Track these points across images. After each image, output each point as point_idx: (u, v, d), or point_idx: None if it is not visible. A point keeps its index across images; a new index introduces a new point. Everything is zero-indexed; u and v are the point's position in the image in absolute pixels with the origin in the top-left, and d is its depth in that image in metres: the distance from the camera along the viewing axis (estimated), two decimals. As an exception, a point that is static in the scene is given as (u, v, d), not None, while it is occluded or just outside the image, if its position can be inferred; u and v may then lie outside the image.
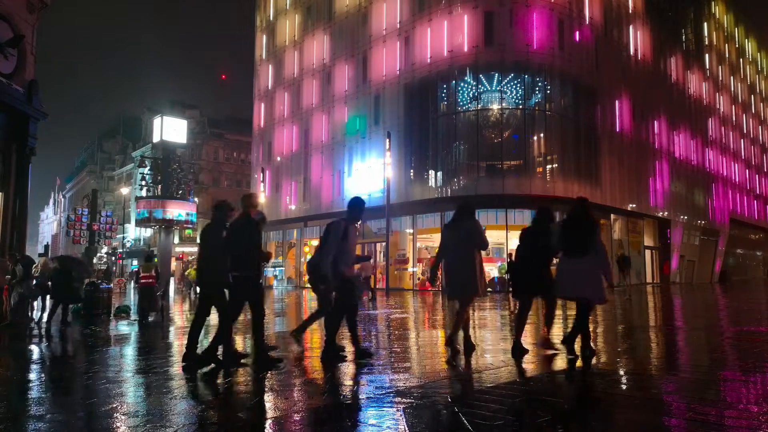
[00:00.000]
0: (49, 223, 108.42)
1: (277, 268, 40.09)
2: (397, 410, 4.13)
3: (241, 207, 6.42)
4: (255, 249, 6.29)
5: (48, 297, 12.42)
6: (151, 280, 12.71)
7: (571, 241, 6.08)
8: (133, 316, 13.27)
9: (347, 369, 6.04)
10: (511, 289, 6.70)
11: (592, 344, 6.22)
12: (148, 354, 7.88)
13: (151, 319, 12.58)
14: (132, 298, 23.21)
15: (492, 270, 28.98)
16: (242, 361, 6.32)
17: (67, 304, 11.69)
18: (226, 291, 6.32)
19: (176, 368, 6.36)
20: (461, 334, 6.76)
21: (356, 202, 6.62)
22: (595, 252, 5.96)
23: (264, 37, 43.15)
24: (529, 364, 6.20)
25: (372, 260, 23.91)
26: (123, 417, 4.13)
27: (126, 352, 8.01)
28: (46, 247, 18.07)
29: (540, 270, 6.38)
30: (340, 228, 6.39)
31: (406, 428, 3.68)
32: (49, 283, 12.00)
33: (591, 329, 8.22)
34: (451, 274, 6.69)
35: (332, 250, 6.27)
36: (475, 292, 6.56)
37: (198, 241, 6.51)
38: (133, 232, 59.17)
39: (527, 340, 7.42)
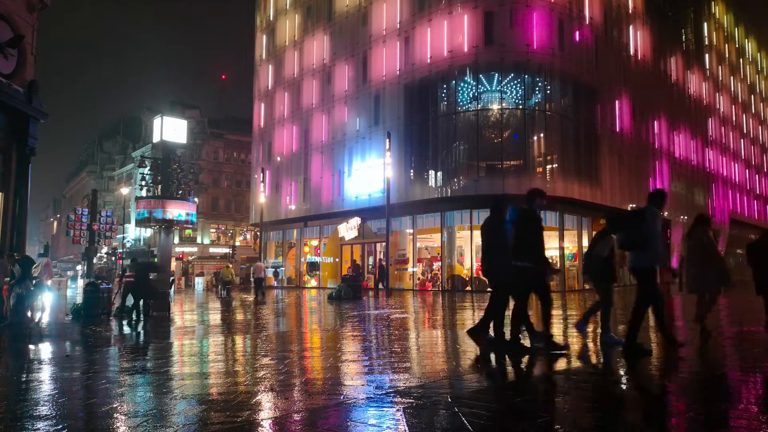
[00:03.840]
0: (49, 223, 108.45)
1: (277, 269, 40.09)
2: (397, 410, 4.13)
3: (526, 201, 6.63)
4: (539, 240, 6.53)
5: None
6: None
7: None
8: (133, 317, 13.30)
9: (347, 369, 6.04)
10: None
11: None
12: (148, 354, 7.88)
13: (155, 313, 13.84)
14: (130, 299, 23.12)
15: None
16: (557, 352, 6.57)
17: (147, 301, 13.33)
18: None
19: (176, 368, 6.36)
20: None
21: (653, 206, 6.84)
22: None
23: (264, 37, 43.14)
24: (531, 363, 6.20)
25: (261, 262, 24.59)
26: (123, 417, 4.13)
27: (126, 352, 8.01)
28: (46, 247, 18.03)
29: None
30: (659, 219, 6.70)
31: (406, 428, 3.68)
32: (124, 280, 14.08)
33: (590, 329, 8.22)
34: (690, 273, 8.34)
35: (607, 248, 7.07)
36: (718, 285, 8.14)
37: (481, 234, 6.86)
38: (133, 232, 59.14)
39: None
